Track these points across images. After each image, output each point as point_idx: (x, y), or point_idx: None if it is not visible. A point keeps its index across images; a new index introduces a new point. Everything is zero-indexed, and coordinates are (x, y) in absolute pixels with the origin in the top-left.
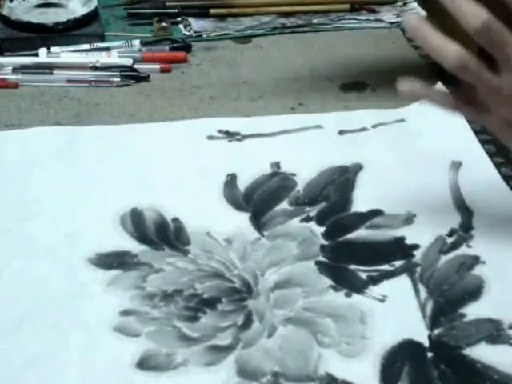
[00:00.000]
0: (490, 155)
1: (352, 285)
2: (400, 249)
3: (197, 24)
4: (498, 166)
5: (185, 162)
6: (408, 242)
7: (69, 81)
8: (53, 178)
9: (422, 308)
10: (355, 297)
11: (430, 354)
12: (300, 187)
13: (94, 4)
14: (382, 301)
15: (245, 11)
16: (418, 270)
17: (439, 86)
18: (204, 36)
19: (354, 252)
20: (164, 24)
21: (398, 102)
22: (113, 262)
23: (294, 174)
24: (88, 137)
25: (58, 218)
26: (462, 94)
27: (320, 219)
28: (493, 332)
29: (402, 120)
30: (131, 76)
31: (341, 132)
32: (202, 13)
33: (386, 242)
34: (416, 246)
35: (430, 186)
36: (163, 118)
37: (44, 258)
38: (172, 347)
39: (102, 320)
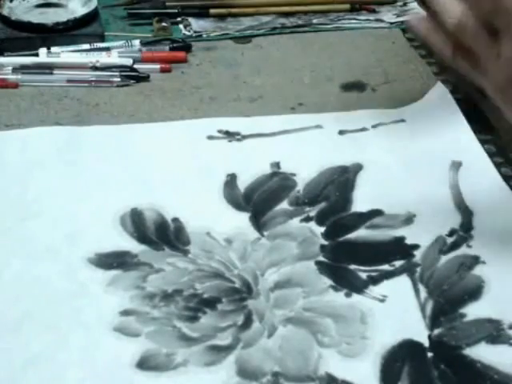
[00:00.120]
0: (490, 155)
1: (352, 285)
2: (400, 249)
3: (197, 24)
4: (497, 166)
5: (185, 162)
6: (408, 241)
7: (69, 81)
8: (53, 178)
9: (422, 308)
10: (355, 297)
11: (430, 354)
12: (300, 187)
13: (93, 4)
14: (382, 301)
15: (245, 11)
16: (418, 269)
17: (439, 85)
18: (204, 36)
19: (354, 252)
20: (164, 24)
21: (398, 101)
22: (113, 262)
23: (294, 174)
24: (88, 137)
25: (58, 218)
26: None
27: (320, 219)
28: (493, 332)
29: (402, 120)
30: (131, 76)
31: (341, 132)
32: (202, 13)
33: (386, 242)
34: (416, 246)
35: (429, 186)
36: (163, 118)
37: (44, 258)
38: (172, 347)
39: (102, 320)
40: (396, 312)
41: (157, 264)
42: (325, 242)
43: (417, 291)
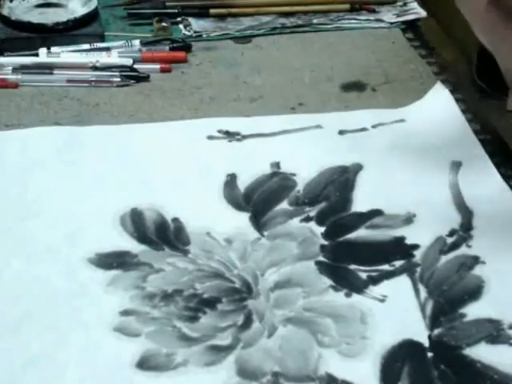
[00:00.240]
0: (490, 155)
1: (352, 285)
2: (400, 249)
3: (197, 24)
4: (498, 166)
5: (185, 162)
6: (408, 241)
7: (69, 81)
8: (53, 178)
9: (422, 308)
10: (355, 297)
11: (430, 354)
12: (300, 187)
13: (93, 4)
14: (382, 301)
15: (245, 11)
16: (418, 270)
17: (439, 85)
18: (204, 36)
19: (354, 252)
20: (164, 24)
21: (398, 102)
22: (113, 262)
23: (294, 174)
24: (88, 137)
25: (58, 218)
26: None
27: (320, 219)
28: (493, 332)
29: (402, 120)
30: (131, 76)
31: (341, 132)
32: (202, 13)
33: (386, 242)
34: (416, 246)
35: (429, 186)
36: (163, 118)
37: (44, 258)
38: (172, 347)
39: (102, 320)
40: (396, 312)
41: (157, 264)
42: (325, 242)
43: (417, 291)
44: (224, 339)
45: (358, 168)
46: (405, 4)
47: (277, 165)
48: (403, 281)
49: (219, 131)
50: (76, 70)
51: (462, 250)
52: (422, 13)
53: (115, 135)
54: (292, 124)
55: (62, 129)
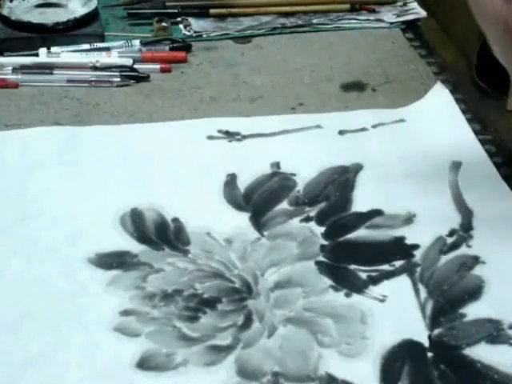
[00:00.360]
0: (490, 155)
1: (352, 285)
2: (400, 249)
3: (197, 24)
4: (497, 166)
5: (185, 162)
6: (408, 241)
7: (69, 81)
8: (53, 178)
9: (422, 308)
10: (355, 297)
11: (430, 354)
12: (300, 187)
13: (93, 4)
14: (382, 301)
15: (245, 11)
16: (418, 269)
17: (439, 86)
18: (204, 36)
19: (354, 252)
20: (164, 24)
21: (398, 102)
22: (113, 262)
23: (294, 174)
24: (88, 137)
25: (58, 218)
26: None
27: (320, 219)
28: (493, 332)
29: (402, 120)
30: (131, 76)
31: (341, 132)
32: (202, 13)
33: (386, 242)
34: (416, 246)
35: (430, 186)
36: (163, 118)
37: (44, 258)
38: (172, 347)
39: (102, 320)
40: (396, 312)
41: (157, 264)
42: (325, 242)
43: (417, 291)
44: (224, 339)
45: (357, 168)
46: (405, 4)
47: (277, 165)
48: (403, 281)
49: (219, 131)
50: (76, 70)
51: (462, 250)
52: (422, 13)
53: (115, 135)
54: (292, 124)
55: (62, 129)
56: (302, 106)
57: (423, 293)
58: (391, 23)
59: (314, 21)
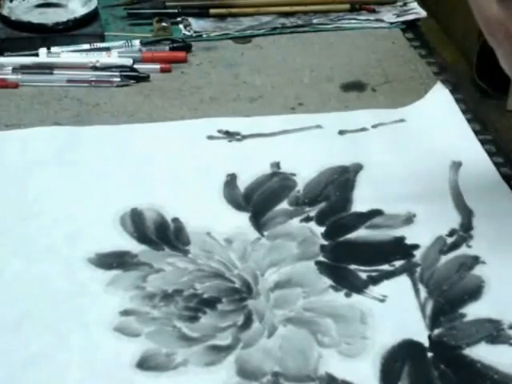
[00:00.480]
0: (490, 155)
1: (352, 285)
2: (400, 249)
3: (197, 24)
4: (497, 166)
5: (185, 162)
6: (408, 241)
7: (69, 81)
8: (53, 178)
9: (422, 308)
10: (355, 297)
11: (430, 354)
12: (300, 187)
13: (93, 4)
14: (382, 301)
15: (245, 11)
16: (418, 269)
17: (439, 85)
18: (204, 36)
19: (354, 252)
20: (164, 24)
21: (398, 101)
22: (113, 262)
23: (294, 174)
24: (88, 137)
25: (58, 218)
26: None
27: (320, 219)
28: (493, 332)
29: (402, 120)
30: (131, 76)
31: (341, 132)
32: (202, 13)
33: (386, 242)
34: (416, 246)
35: (429, 186)
36: (163, 118)
37: (44, 258)
38: (172, 347)
39: (102, 320)
40: (396, 312)
41: (157, 264)
42: (325, 242)
43: (417, 291)
44: (224, 339)
45: (357, 168)
46: (405, 4)
47: (277, 165)
48: (403, 281)
49: (219, 131)
50: (76, 70)
51: (462, 250)
52: (422, 13)
53: (115, 135)
54: (292, 124)
55: (62, 129)
56: (302, 106)
57: (423, 293)
58: (391, 23)
59: (314, 21)
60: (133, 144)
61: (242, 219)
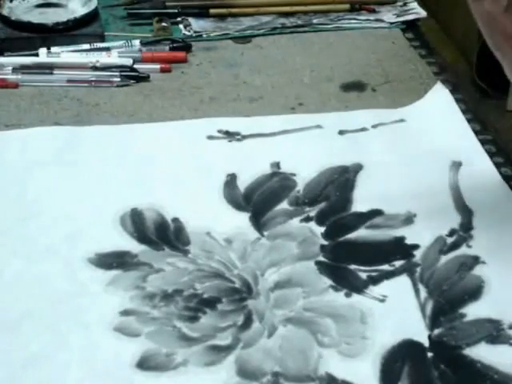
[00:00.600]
0: (490, 155)
1: (352, 285)
2: (400, 249)
3: (197, 24)
4: (497, 166)
5: (185, 162)
6: (408, 241)
7: (69, 81)
8: (53, 178)
9: (422, 308)
10: (355, 297)
11: (430, 354)
12: (300, 187)
13: (93, 4)
14: (382, 301)
15: (245, 11)
16: (418, 269)
17: (439, 86)
18: (204, 36)
19: (354, 252)
20: (164, 24)
21: (398, 102)
22: (113, 262)
23: (294, 174)
24: (88, 137)
25: (58, 218)
26: None
27: (320, 219)
28: (493, 332)
29: (402, 120)
30: (131, 76)
31: (341, 132)
32: (202, 13)
33: (386, 242)
34: (416, 246)
35: (430, 186)
36: (163, 118)
37: (44, 258)
38: (172, 347)
39: (102, 320)
40: (396, 312)
41: (157, 264)
42: (325, 242)
43: (417, 291)
44: (224, 339)
45: (357, 168)
46: (405, 4)
47: (277, 165)
48: (403, 281)
49: (219, 131)
50: (76, 70)
51: (462, 250)
52: (422, 13)
53: (115, 135)
54: (292, 124)
55: (62, 129)
56: (302, 106)
57: (423, 293)
58: (391, 23)
59: (314, 21)
60: (133, 144)
61: (242, 219)
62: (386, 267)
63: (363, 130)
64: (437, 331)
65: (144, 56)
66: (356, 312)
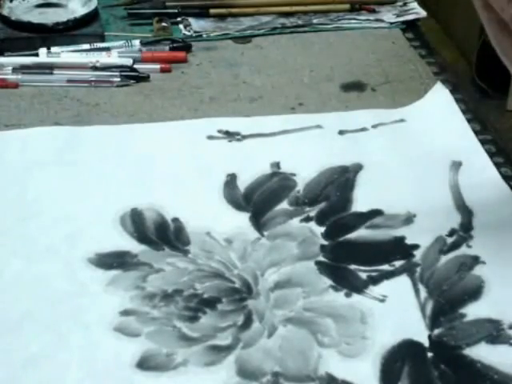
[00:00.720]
0: (490, 155)
1: (352, 285)
2: (400, 249)
3: (197, 24)
4: (497, 166)
5: (185, 162)
6: (408, 241)
7: (69, 81)
8: (53, 178)
9: (422, 308)
10: (355, 297)
11: (430, 354)
12: (300, 187)
13: (93, 4)
14: (382, 301)
15: (245, 11)
16: (418, 269)
17: (439, 85)
18: (204, 36)
19: (354, 252)
20: (164, 24)
21: (398, 101)
22: (113, 262)
23: (294, 174)
24: (88, 137)
25: (58, 218)
26: None
27: (320, 219)
28: (493, 332)
29: (402, 120)
30: (131, 76)
31: (341, 132)
32: (202, 13)
33: (386, 242)
34: (416, 246)
35: (430, 186)
36: (163, 118)
37: (44, 258)
38: (172, 347)
39: (102, 320)
40: (396, 312)
41: (157, 264)
42: (325, 242)
43: (417, 291)
44: (224, 339)
45: (357, 168)
46: (405, 4)
47: (277, 165)
48: (403, 281)
49: (219, 131)
50: (76, 70)
51: (462, 250)
52: (422, 13)
53: (115, 135)
54: (292, 124)
55: (62, 129)
56: (302, 106)
57: (423, 293)
58: (391, 23)
59: (314, 21)
60: (133, 144)
61: (242, 219)
62: (386, 267)
63: (363, 129)
64: (437, 331)
65: (144, 56)
66: (356, 312)
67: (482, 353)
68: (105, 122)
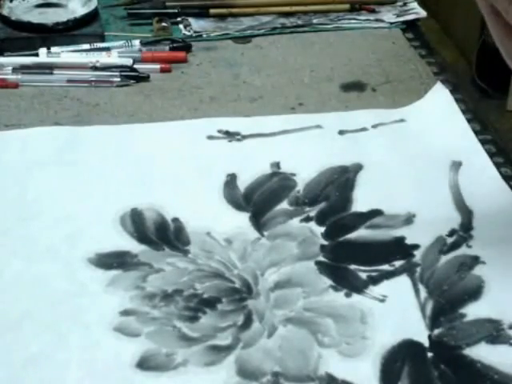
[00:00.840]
0: (490, 155)
1: (352, 285)
2: (400, 249)
3: (197, 24)
4: (497, 166)
5: (185, 162)
6: (408, 241)
7: (69, 81)
8: (53, 178)
9: (422, 308)
10: (355, 297)
11: (430, 354)
12: (300, 187)
13: (93, 4)
14: (382, 301)
15: (245, 11)
16: (418, 269)
17: (439, 85)
18: (204, 36)
19: (354, 252)
20: (164, 24)
21: (398, 102)
22: (113, 262)
23: (294, 174)
24: (88, 137)
25: (58, 218)
26: None
27: (320, 219)
28: (493, 332)
29: (402, 120)
30: (131, 76)
31: (341, 132)
32: (202, 13)
33: (386, 242)
34: (416, 246)
35: (429, 186)
36: (163, 118)
37: (44, 258)
38: (172, 347)
39: (102, 320)
40: (396, 312)
41: (157, 264)
42: (325, 242)
43: (417, 291)
44: (224, 339)
45: (357, 168)
46: (405, 4)
47: (277, 165)
48: (403, 281)
49: (219, 131)
50: (76, 70)
51: (462, 249)
52: (422, 13)
53: (115, 135)
54: (292, 124)
55: (62, 129)
56: (302, 106)
57: (423, 293)
58: (391, 23)
59: (314, 21)
60: (133, 144)
61: (242, 219)
62: (386, 267)
63: (363, 129)
64: (437, 331)
65: (144, 56)
66: (356, 312)
67: (482, 353)
68: (105, 122)
